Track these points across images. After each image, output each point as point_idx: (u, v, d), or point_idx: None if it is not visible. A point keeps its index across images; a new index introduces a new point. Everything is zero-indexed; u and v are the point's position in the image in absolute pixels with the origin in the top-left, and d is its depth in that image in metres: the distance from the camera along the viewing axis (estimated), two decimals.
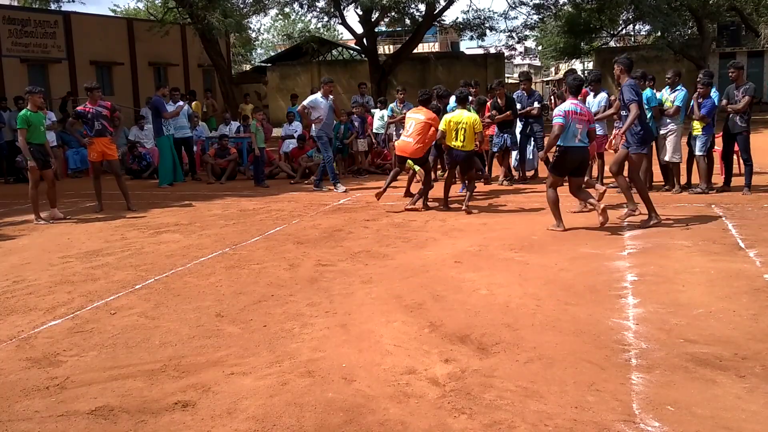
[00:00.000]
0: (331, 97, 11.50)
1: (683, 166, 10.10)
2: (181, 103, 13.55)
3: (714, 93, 9.87)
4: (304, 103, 11.52)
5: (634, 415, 3.36)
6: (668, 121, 9.64)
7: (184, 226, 8.78)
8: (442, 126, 9.09)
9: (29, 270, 6.71)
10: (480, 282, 5.75)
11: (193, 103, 16.50)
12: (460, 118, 9.00)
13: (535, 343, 4.33)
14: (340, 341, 4.50)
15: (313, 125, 11.45)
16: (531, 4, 24.90)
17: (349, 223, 8.62)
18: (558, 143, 7.59)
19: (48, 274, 6.50)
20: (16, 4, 26.67)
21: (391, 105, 12.83)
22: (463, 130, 8.95)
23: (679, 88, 9.64)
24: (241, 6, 23.12)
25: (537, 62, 58.26)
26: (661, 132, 9.74)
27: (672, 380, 3.74)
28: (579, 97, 7.89)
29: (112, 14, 37.23)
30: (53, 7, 21.94)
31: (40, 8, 22.61)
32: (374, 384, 3.81)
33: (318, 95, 11.35)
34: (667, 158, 9.77)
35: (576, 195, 7.95)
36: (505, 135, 11.33)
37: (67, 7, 23.36)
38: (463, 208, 9.05)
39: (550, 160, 8.14)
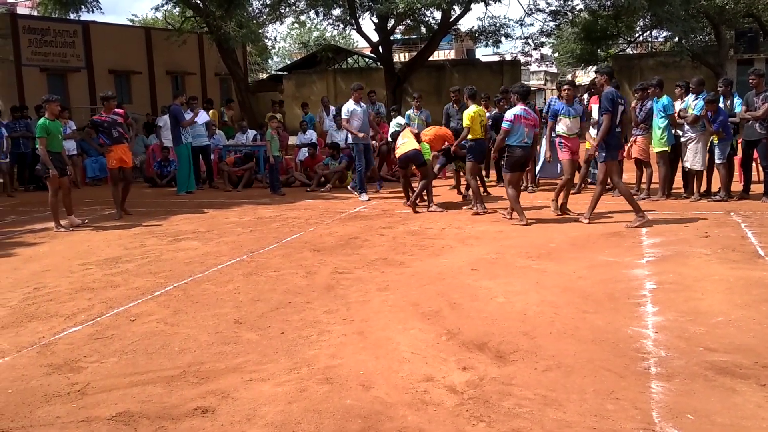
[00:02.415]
0: (362, 103, 11.53)
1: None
2: (202, 112, 13.71)
3: (736, 99, 9.85)
4: (343, 116, 11.53)
5: (654, 424, 3.34)
6: (688, 128, 9.61)
7: (202, 233, 8.85)
8: (466, 122, 9.51)
9: (50, 277, 6.78)
10: (497, 290, 5.75)
11: (210, 111, 16.61)
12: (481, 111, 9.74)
13: (554, 351, 4.32)
14: (358, 348, 4.52)
15: (349, 133, 11.59)
16: (547, 11, 24.83)
17: (365, 230, 8.64)
18: (508, 143, 8.64)
19: (68, 281, 6.57)
20: (36, 14, 27.00)
21: (408, 111, 12.85)
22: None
23: (701, 96, 9.60)
24: (257, 15, 23.29)
25: (553, 69, 58.11)
26: (682, 139, 9.74)
27: (692, 389, 3.72)
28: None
29: (131, 24, 37.62)
30: (72, 16, 22.17)
31: (60, 18, 22.86)
32: (392, 391, 3.82)
33: (351, 103, 11.38)
34: (688, 165, 9.73)
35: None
36: None
37: (86, 16, 23.62)
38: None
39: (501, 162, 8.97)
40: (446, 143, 10.67)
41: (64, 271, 7.00)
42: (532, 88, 15.09)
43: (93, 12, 21.04)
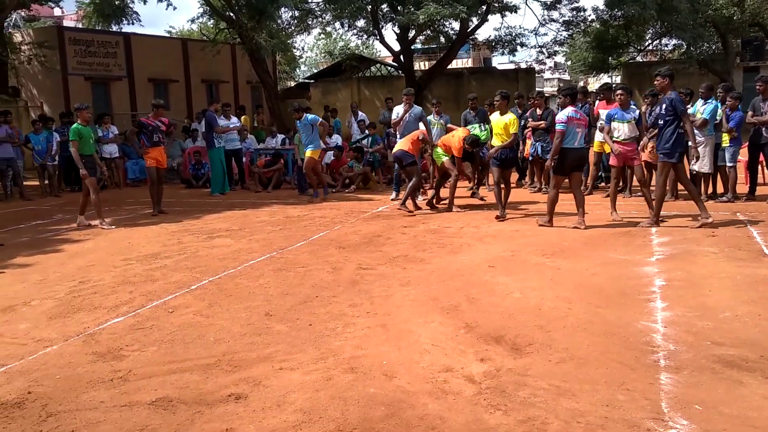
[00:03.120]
0: (416, 107, 11.31)
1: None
2: (235, 120, 13.84)
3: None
4: (393, 117, 11.46)
5: (663, 414, 3.31)
6: (697, 132, 9.49)
7: (234, 231, 8.90)
8: (497, 129, 9.26)
9: (94, 271, 6.87)
10: (513, 286, 5.72)
11: (243, 117, 16.72)
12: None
13: (567, 344, 4.29)
14: (381, 340, 4.52)
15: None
16: (560, 21, 24.67)
17: (388, 229, 8.64)
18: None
19: (111, 275, 6.65)
20: (80, 26, 27.35)
21: (429, 117, 12.83)
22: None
23: (710, 101, 9.48)
24: (287, 26, 23.37)
25: (566, 76, 57.72)
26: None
27: (700, 381, 3.68)
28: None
29: (168, 35, 37.94)
30: (115, 28, 22.42)
31: (103, 30, 23.11)
32: (413, 381, 3.82)
33: (401, 108, 11.32)
34: (696, 168, 9.61)
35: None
36: (537, 143, 11.28)
37: (127, 28, 23.87)
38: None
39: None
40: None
41: (107, 266, 7.08)
42: (546, 94, 14.99)
43: (133, 24, 21.28)
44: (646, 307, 5.01)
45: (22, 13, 24.57)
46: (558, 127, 8.00)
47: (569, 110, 8.08)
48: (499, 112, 9.24)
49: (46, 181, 14.22)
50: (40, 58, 22.13)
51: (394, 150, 10.29)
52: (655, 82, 8.06)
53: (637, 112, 8.86)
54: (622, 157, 8.75)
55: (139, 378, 4.01)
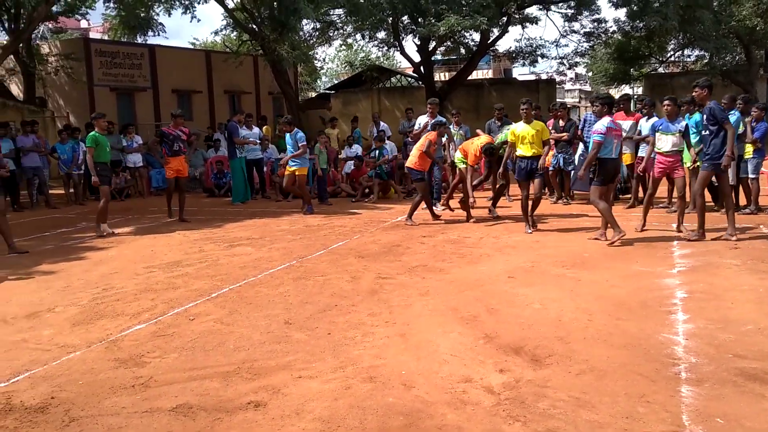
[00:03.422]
0: (439, 117, 11.24)
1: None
2: (256, 131, 13.98)
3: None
4: (415, 127, 11.45)
5: (684, 427, 3.27)
6: None
7: (255, 240, 8.95)
8: (510, 137, 9.06)
9: (117, 279, 6.94)
10: (533, 296, 5.68)
11: (264, 127, 16.85)
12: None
13: (587, 355, 4.25)
14: (400, 349, 4.52)
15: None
16: (581, 32, 24.63)
17: (407, 239, 8.64)
18: (599, 156, 7.78)
19: (134, 283, 6.72)
20: (107, 38, 27.78)
21: (449, 127, 12.83)
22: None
23: (732, 112, 9.38)
24: (308, 38, 23.56)
25: (587, 87, 57.45)
26: None
27: (721, 394, 3.63)
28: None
29: (192, 47, 38.40)
30: (140, 40, 22.76)
31: (128, 42, 23.47)
32: (432, 390, 3.81)
33: (424, 117, 11.34)
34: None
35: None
36: (559, 155, 11.24)
37: (152, 40, 24.22)
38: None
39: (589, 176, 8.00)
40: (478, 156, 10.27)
41: (130, 274, 7.15)
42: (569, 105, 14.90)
43: (158, 35, 21.61)
44: (667, 320, 4.96)
45: (50, 25, 25.02)
46: (596, 138, 7.71)
47: (607, 120, 7.81)
48: (525, 120, 8.89)
49: (72, 190, 14.42)
50: (67, 69, 22.51)
51: (407, 163, 10.25)
52: (694, 93, 7.94)
53: (684, 123, 8.59)
54: (664, 168, 8.55)
55: (160, 384, 4.04)
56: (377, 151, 13.97)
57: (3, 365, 4.45)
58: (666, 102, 8.73)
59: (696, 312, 5.10)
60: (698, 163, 8.67)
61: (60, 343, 4.88)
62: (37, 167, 13.69)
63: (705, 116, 7.75)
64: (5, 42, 18.41)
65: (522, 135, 8.81)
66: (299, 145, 11.30)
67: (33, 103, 21.87)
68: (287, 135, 11.54)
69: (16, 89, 23.91)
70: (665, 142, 8.52)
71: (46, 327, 5.32)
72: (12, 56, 20.58)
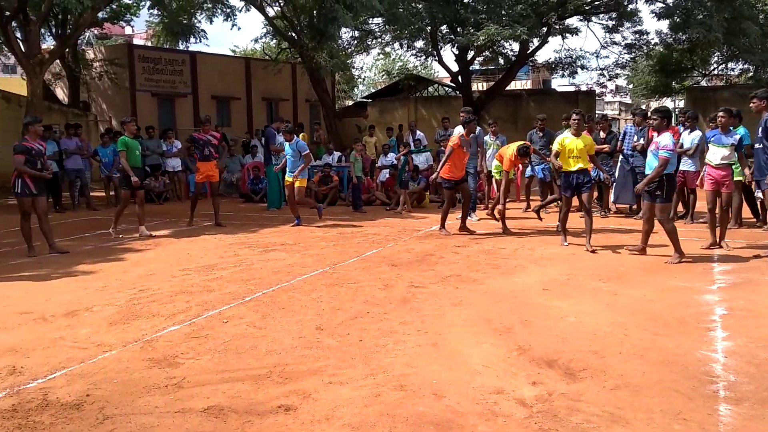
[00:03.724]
0: (479, 129, 11.13)
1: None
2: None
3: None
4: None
5: None
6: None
7: (289, 245, 9.02)
8: (557, 147, 8.58)
9: (153, 280, 7.05)
10: (568, 309, 5.61)
11: (301, 134, 16.99)
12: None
13: (622, 370, 4.18)
14: (431, 359, 4.49)
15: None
16: (623, 44, 24.35)
17: (440, 248, 8.61)
18: (666, 172, 7.38)
19: (169, 285, 6.81)
20: (149, 44, 28.37)
21: (485, 137, 12.78)
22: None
23: None
24: (346, 47, 23.73)
25: (628, 100, 56.65)
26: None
27: (761, 413, 3.52)
28: (669, 133, 7.60)
29: (232, 54, 38.96)
30: (182, 46, 23.21)
31: (170, 48, 23.94)
32: (463, 401, 3.78)
33: (460, 128, 11.30)
34: (760, 195, 9.27)
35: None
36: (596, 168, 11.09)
37: (193, 47, 24.70)
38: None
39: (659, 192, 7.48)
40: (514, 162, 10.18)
41: (166, 276, 7.26)
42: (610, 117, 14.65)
43: (200, 41, 22.02)
44: (705, 336, 4.84)
45: (95, 32, 25.67)
46: (665, 154, 7.28)
47: (669, 136, 7.47)
48: (573, 132, 8.47)
49: (112, 192, 14.71)
50: (111, 74, 23.05)
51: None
52: (751, 105, 7.63)
53: (737, 136, 8.38)
54: (714, 182, 8.30)
55: (192, 385, 4.08)
56: (403, 158, 13.94)
57: (41, 362, 4.55)
58: (721, 114, 8.46)
59: (736, 329, 4.97)
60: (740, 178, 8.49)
61: (96, 342, 4.97)
62: (79, 169, 14.02)
63: (762, 128, 7.46)
64: (52, 47, 18.92)
65: (569, 148, 8.40)
66: (302, 154, 10.81)
67: (77, 106, 22.43)
68: (287, 144, 10.97)
69: (61, 93, 24.57)
70: (715, 155, 8.33)
71: (83, 326, 5.43)
72: (58, 61, 21.15)
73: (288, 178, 10.94)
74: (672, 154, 7.36)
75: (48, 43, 21.71)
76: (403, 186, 13.20)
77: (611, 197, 11.51)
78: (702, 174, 10.00)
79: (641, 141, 10.62)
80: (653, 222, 7.75)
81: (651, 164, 7.48)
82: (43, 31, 19.03)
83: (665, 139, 7.37)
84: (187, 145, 11.65)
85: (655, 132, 7.82)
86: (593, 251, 8.07)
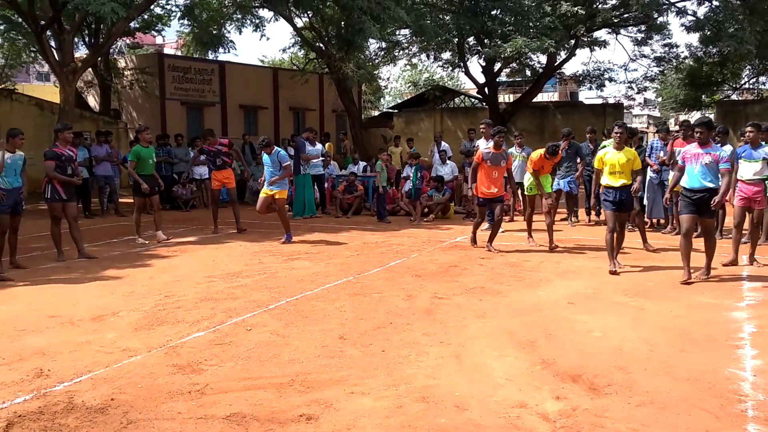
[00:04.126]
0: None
1: None
2: (319, 147, 14.22)
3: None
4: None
5: None
6: None
7: (313, 254, 9.05)
8: (596, 164, 8.17)
9: (179, 287, 7.11)
10: (593, 324, 5.54)
11: (327, 144, 17.11)
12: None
13: (648, 387, 4.11)
14: (454, 371, 4.47)
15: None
16: (652, 56, 24.14)
17: (465, 260, 8.57)
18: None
19: (195, 291, 6.87)
20: (180, 54, 28.76)
21: (511, 149, 12.72)
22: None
23: None
24: (374, 57, 23.85)
25: (656, 113, 56.10)
26: None
27: None
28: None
29: (260, 64, 39.35)
30: (211, 56, 23.51)
31: (200, 58, 24.26)
32: (485, 414, 3.74)
33: (483, 141, 11.29)
34: None
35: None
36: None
37: (222, 57, 25.01)
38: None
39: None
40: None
41: (191, 282, 7.32)
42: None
43: (229, 51, 22.31)
44: (734, 354, 4.75)
45: (127, 41, 26.10)
46: (726, 166, 7.00)
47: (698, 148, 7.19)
48: (616, 145, 7.95)
49: None
50: (141, 83, 23.41)
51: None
52: None
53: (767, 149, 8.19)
54: (746, 198, 8.15)
55: (215, 392, 4.10)
56: (413, 169, 13.70)
57: (67, 365, 4.61)
58: (748, 129, 8.34)
59: (765, 347, 4.86)
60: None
61: (122, 347, 5.02)
62: (108, 176, 14.25)
63: None
64: (85, 56, 19.29)
65: (611, 162, 7.86)
66: (283, 165, 10.31)
67: (108, 114, 22.82)
68: (265, 156, 10.42)
69: (93, 101, 25.01)
70: (747, 170, 8.20)
71: (109, 330, 5.49)
72: (90, 69, 21.55)
73: (266, 190, 10.38)
74: (729, 165, 7.07)
75: (81, 52, 22.11)
76: (408, 196, 13.20)
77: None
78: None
79: (661, 154, 10.59)
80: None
81: (698, 177, 7.14)
82: (76, 40, 19.40)
83: (724, 152, 7.10)
84: (196, 155, 11.85)
85: (692, 145, 7.62)
86: (615, 273, 7.57)
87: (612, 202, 7.83)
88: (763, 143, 8.42)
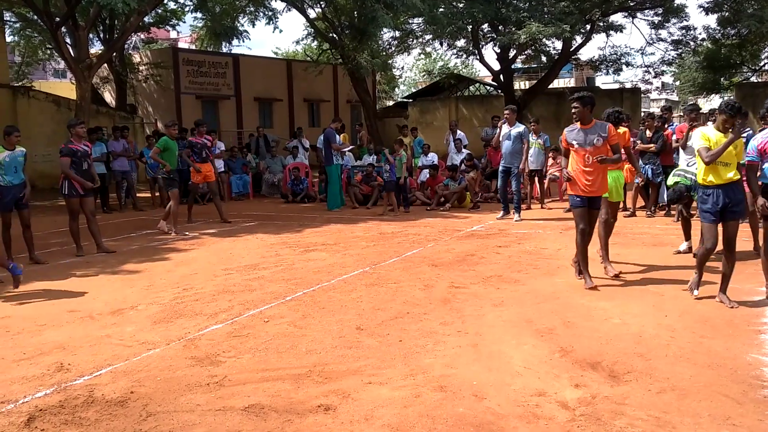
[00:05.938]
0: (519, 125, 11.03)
1: None
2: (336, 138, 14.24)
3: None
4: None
5: None
6: None
7: (330, 245, 9.05)
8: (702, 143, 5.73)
9: (197, 279, 7.16)
10: (612, 311, 5.49)
11: (342, 135, 17.06)
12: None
13: (669, 373, 4.07)
14: (471, 360, 4.45)
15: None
16: (669, 40, 23.83)
17: (482, 248, 8.53)
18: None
19: (212, 284, 6.90)
20: (194, 48, 28.86)
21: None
22: None
23: None
24: (387, 47, 23.76)
25: (674, 97, 55.43)
26: None
27: None
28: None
29: (275, 56, 39.37)
30: (225, 49, 23.56)
31: (214, 51, 24.33)
32: (504, 403, 3.73)
33: (505, 126, 11.18)
34: None
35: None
36: (646, 166, 10.84)
37: (236, 50, 25.00)
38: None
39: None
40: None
41: (209, 275, 7.36)
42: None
43: (243, 43, 22.37)
44: (756, 339, 4.69)
45: (142, 36, 26.25)
46: (752, 159, 5.73)
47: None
48: (713, 127, 5.77)
49: (157, 193, 14.99)
50: (156, 77, 23.55)
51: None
52: None
53: None
54: None
55: (233, 384, 4.12)
56: (397, 159, 13.34)
57: (87, 359, 4.66)
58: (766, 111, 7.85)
59: None
60: None
61: (141, 340, 5.06)
62: (125, 171, 14.33)
63: None
64: (100, 52, 19.41)
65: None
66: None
67: (124, 109, 22.96)
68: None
69: (109, 96, 25.19)
70: None
71: (128, 324, 5.54)
72: (106, 65, 21.68)
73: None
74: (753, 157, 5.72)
75: (96, 48, 22.27)
76: (384, 188, 12.99)
77: (657, 197, 11.21)
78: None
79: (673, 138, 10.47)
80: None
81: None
82: (91, 36, 19.52)
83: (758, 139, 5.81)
84: (187, 150, 11.98)
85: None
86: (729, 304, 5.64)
87: (714, 207, 5.71)
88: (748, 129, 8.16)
